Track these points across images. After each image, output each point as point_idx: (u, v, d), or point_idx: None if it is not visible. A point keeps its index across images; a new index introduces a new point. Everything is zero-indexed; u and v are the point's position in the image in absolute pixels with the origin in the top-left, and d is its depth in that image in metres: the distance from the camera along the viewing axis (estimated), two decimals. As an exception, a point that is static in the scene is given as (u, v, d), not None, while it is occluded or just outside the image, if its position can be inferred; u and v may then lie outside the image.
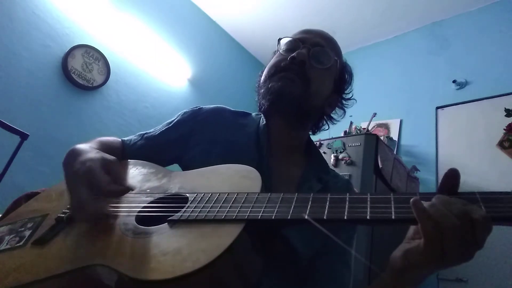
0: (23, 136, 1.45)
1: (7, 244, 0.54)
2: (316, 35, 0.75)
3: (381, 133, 2.63)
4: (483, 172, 2.16)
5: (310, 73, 0.70)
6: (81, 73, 2.13)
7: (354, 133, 2.36)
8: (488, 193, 0.38)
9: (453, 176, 0.41)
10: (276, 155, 0.71)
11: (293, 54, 0.70)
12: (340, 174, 0.82)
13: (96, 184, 0.49)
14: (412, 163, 2.41)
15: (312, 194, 0.45)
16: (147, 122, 2.47)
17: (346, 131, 2.46)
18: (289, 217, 0.42)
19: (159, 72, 2.68)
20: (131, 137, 0.80)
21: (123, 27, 2.44)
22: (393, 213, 0.38)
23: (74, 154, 0.57)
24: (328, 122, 0.82)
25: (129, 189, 0.52)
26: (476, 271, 1.95)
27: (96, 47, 2.23)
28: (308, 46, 0.71)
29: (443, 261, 0.38)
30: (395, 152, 2.37)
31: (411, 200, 0.38)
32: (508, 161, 2.08)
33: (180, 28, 2.88)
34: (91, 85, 2.18)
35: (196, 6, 3.05)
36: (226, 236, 0.40)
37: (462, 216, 0.36)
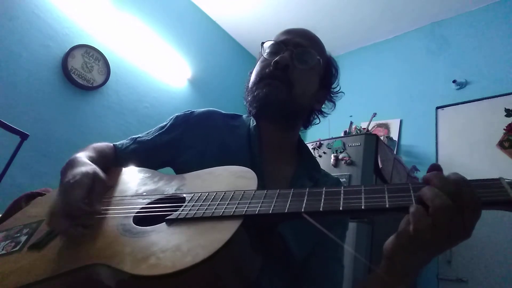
0: (23, 136, 1.45)
1: (2, 249, 0.54)
2: (298, 35, 0.75)
3: (381, 133, 2.63)
4: (483, 172, 2.15)
5: (294, 75, 0.70)
6: (81, 73, 2.13)
7: (354, 133, 2.36)
8: (478, 180, 0.39)
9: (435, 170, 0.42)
10: (267, 155, 0.72)
11: (276, 59, 0.70)
12: (340, 174, 0.83)
13: (70, 201, 0.50)
14: (412, 163, 2.41)
15: (307, 188, 0.45)
16: (147, 122, 2.47)
17: (346, 131, 2.45)
18: (286, 211, 0.42)
19: (159, 72, 2.68)
20: (123, 141, 0.80)
21: (123, 27, 2.44)
22: (387, 202, 0.39)
23: (71, 164, 0.59)
24: (319, 116, 0.83)
25: (96, 213, 0.52)
26: (476, 271, 1.94)
27: (96, 47, 2.23)
28: (291, 48, 0.72)
29: (432, 241, 0.38)
30: (395, 152, 2.37)
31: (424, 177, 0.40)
32: (508, 161, 2.08)
33: (180, 28, 2.88)
34: (91, 85, 2.18)
35: (196, 6, 3.06)
36: (225, 231, 0.40)
37: (455, 191, 0.36)
